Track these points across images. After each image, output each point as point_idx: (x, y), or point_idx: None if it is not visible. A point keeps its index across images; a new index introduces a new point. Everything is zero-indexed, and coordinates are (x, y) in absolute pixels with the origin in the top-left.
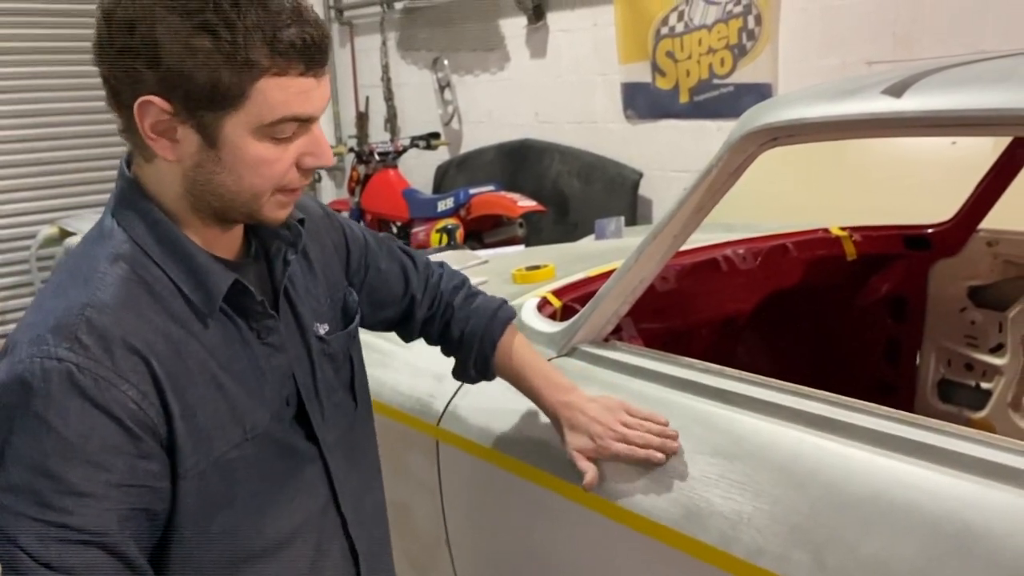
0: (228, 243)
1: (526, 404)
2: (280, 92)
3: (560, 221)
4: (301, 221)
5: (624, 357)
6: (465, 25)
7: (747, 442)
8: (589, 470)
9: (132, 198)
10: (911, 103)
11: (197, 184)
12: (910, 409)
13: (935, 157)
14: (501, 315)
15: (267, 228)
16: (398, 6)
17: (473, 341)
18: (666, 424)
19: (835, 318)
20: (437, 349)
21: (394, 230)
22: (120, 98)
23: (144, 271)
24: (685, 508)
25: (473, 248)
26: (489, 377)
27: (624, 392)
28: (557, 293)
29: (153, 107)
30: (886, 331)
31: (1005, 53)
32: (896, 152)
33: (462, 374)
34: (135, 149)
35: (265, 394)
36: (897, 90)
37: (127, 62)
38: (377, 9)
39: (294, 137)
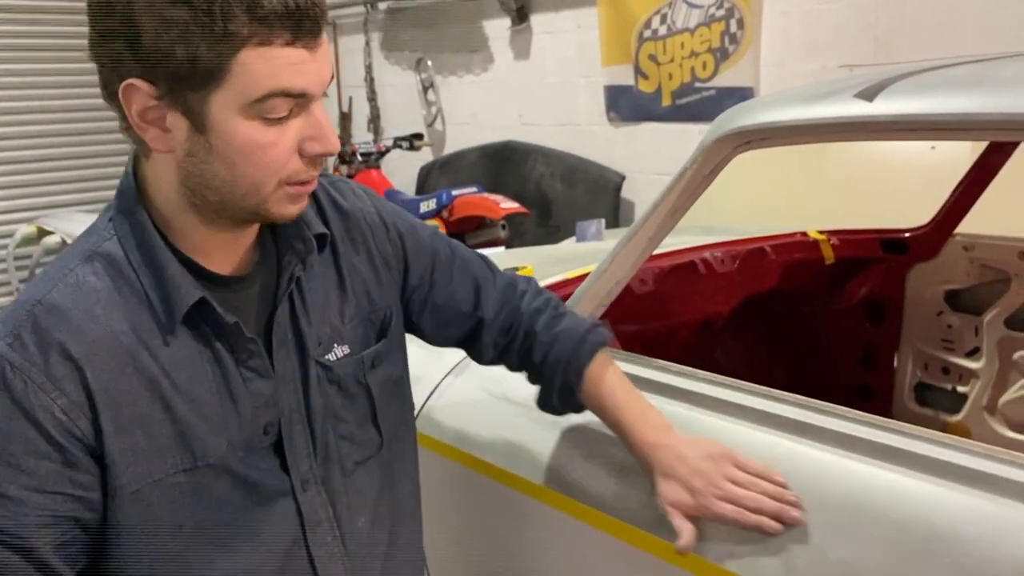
0: (233, 251)
1: (502, 407)
2: (264, 63)
3: (543, 223)
4: (322, 236)
5: None
6: (449, 26)
7: None
8: (686, 531)
9: (126, 198)
10: (882, 107)
11: (192, 176)
12: (887, 412)
13: (914, 161)
14: (591, 340)
15: (284, 237)
16: (382, 6)
17: (557, 369)
18: (784, 484)
19: (813, 322)
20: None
21: None
22: (109, 88)
23: (117, 274)
24: (656, 512)
25: None
26: (576, 409)
27: None
28: None
29: (139, 92)
30: (863, 335)
31: (979, 57)
32: (875, 156)
33: (546, 404)
34: (136, 145)
35: (229, 422)
36: (869, 94)
37: (109, 45)
38: (361, 9)
39: (290, 118)
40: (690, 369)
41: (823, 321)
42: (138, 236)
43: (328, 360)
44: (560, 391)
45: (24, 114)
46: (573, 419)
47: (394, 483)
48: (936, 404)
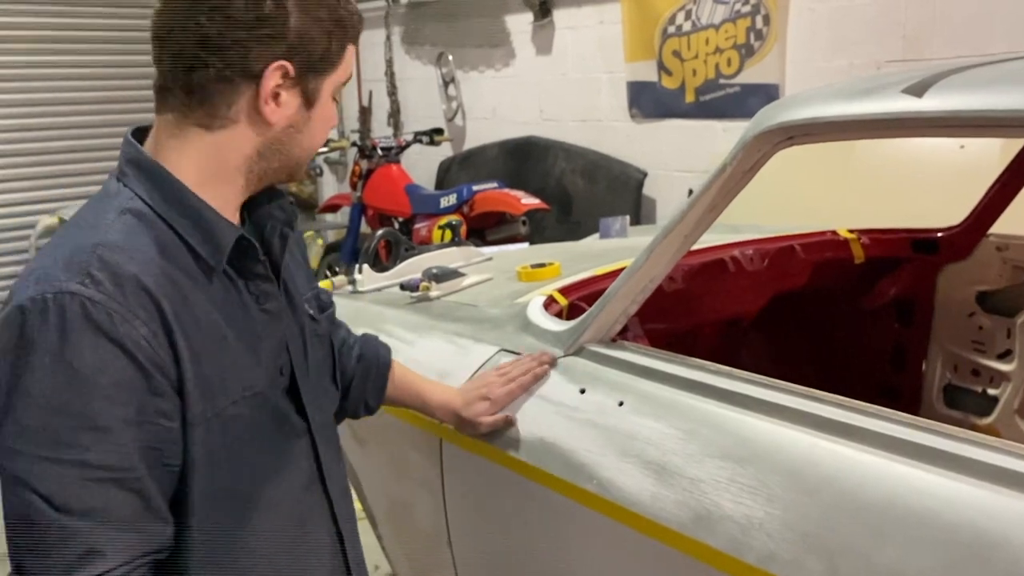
0: (234, 216)
1: (530, 403)
2: (351, 56)
3: (563, 220)
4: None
5: (632, 357)
6: (471, 20)
7: (757, 445)
8: (500, 419)
9: (142, 165)
10: (933, 103)
11: (277, 142)
12: (915, 414)
13: (945, 160)
14: (384, 347)
15: (260, 209)
16: (403, 0)
17: (371, 362)
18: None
19: (842, 321)
20: (442, 345)
21: (396, 225)
22: (234, 69)
23: (150, 226)
24: (694, 512)
25: (476, 246)
26: (382, 398)
27: (632, 393)
28: (563, 291)
29: (280, 72)
30: (893, 335)
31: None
32: (906, 155)
33: (356, 409)
34: (201, 119)
35: (261, 358)
36: (918, 90)
37: (257, 32)
38: (382, 3)
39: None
40: (726, 368)
41: (852, 321)
42: (165, 192)
43: (313, 315)
44: (375, 384)
45: (44, 105)
46: (604, 418)
47: (336, 438)
48: (965, 407)
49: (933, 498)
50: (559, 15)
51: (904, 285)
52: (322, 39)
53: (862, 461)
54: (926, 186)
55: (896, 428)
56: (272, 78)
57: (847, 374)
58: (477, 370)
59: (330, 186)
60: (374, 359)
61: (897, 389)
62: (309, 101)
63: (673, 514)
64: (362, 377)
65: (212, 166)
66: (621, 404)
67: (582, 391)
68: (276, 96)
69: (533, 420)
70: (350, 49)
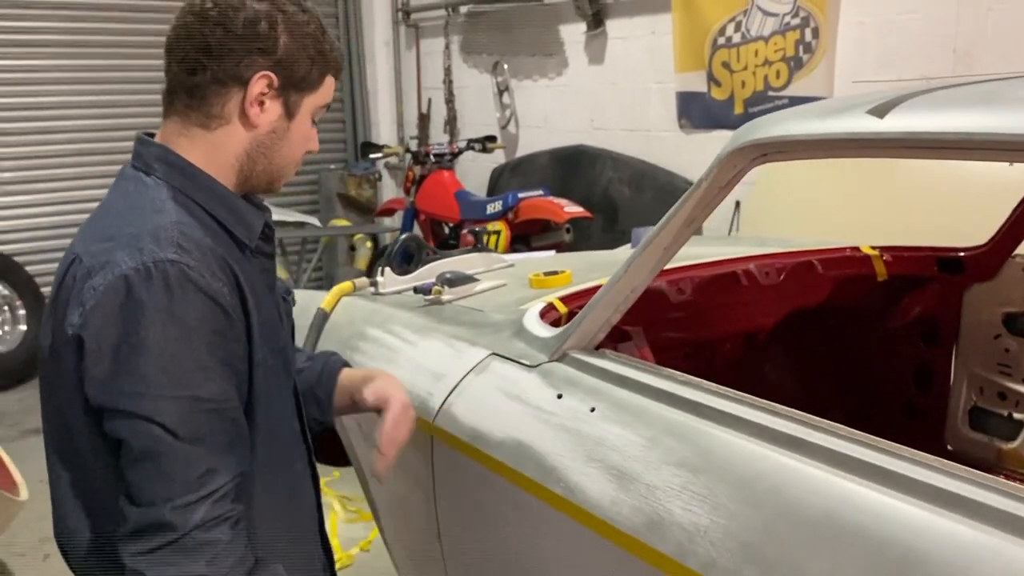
0: None
1: (511, 407)
2: (331, 86)
3: (608, 228)
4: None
5: (610, 366)
6: (525, 30)
7: (713, 455)
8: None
9: (170, 159)
10: (892, 124)
11: (261, 146)
12: (940, 436)
13: (984, 178)
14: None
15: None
16: (462, 10)
17: (319, 366)
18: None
19: (864, 339)
20: (439, 347)
21: (446, 231)
22: (228, 74)
23: (193, 211)
24: (648, 517)
25: (518, 251)
26: (332, 408)
27: (605, 400)
28: (565, 300)
29: (267, 80)
30: (917, 355)
31: (999, 76)
32: (943, 172)
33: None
34: (200, 120)
35: (284, 320)
36: (882, 110)
37: (248, 44)
38: (442, 12)
39: (314, 124)
40: (696, 379)
41: (874, 339)
42: (197, 183)
43: (284, 296)
44: (323, 376)
45: (74, 108)
46: (576, 423)
47: None
48: (991, 430)
49: (866, 514)
50: (612, 25)
51: (928, 304)
52: (305, 62)
53: (806, 475)
54: (961, 203)
55: (842, 444)
56: (258, 85)
57: (871, 393)
58: (467, 373)
59: (389, 190)
60: (324, 359)
61: (922, 410)
62: (290, 113)
63: (628, 519)
64: (314, 374)
65: (214, 162)
66: (593, 410)
67: (559, 396)
68: (261, 103)
69: (513, 423)
70: (329, 80)
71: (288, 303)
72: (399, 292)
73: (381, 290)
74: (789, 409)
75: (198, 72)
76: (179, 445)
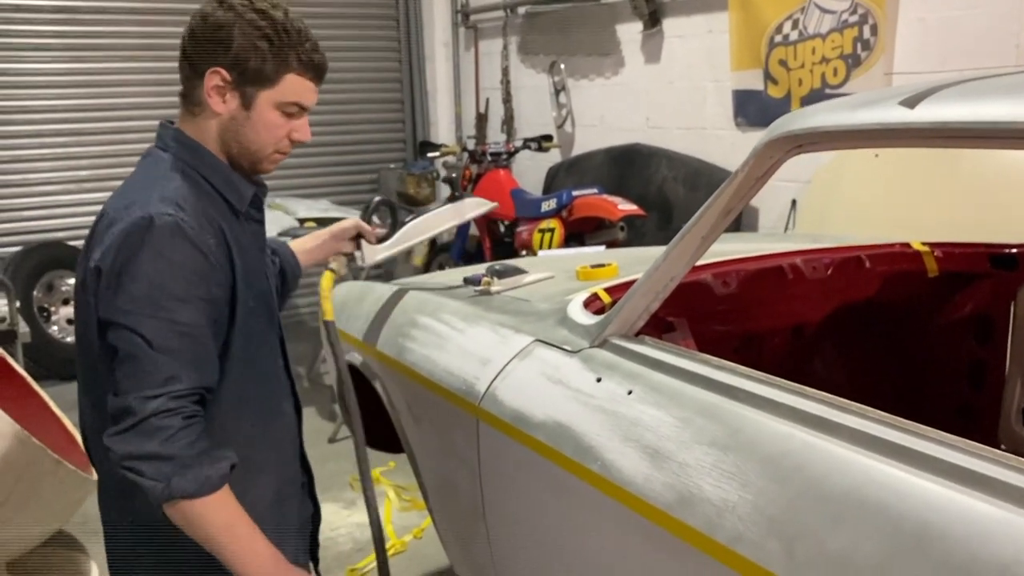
0: None
1: (553, 389)
2: (298, 86)
3: (663, 227)
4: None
5: (648, 351)
6: (582, 30)
7: (742, 435)
8: None
9: (181, 140)
10: (921, 114)
11: (229, 131)
12: (993, 434)
13: None
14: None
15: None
16: (520, 11)
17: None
18: None
19: (915, 336)
20: (486, 334)
21: (501, 229)
22: (197, 69)
23: (194, 179)
24: (679, 493)
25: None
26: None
27: (642, 383)
28: (610, 290)
29: (219, 76)
30: (969, 352)
31: None
32: (1004, 168)
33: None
34: (190, 107)
35: (267, 272)
36: (913, 101)
37: (208, 46)
38: (500, 13)
39: (294, 117)
40: (730, 363)
41: (926, 336)
42: (200, 157)
43: (269, 257)
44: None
45: (83, 111)
46: (614, 405)
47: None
48: None
49: (885, 490)
50: (668, 24)
51: (981, 301)
52: (256, 61)
53: (830, 452)
54: (1014, 200)
55: (865, 424)
56: (211, 79)
57: (923, 391)
58: (512, 359)
59: (446, 188)
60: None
61: (974, 408)
62: (246, 104)
63: (660, 495)
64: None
65: (205, 141)
66: (630, 393)
67: (598, 380)
68: (222, 93)
69: (554, 405)
70: (291, 78)
71: (273, 263)
72: (379, 265)
73: (360, 263)
74: (815, 391)
75: (183, 70)
76: (152, 353)
